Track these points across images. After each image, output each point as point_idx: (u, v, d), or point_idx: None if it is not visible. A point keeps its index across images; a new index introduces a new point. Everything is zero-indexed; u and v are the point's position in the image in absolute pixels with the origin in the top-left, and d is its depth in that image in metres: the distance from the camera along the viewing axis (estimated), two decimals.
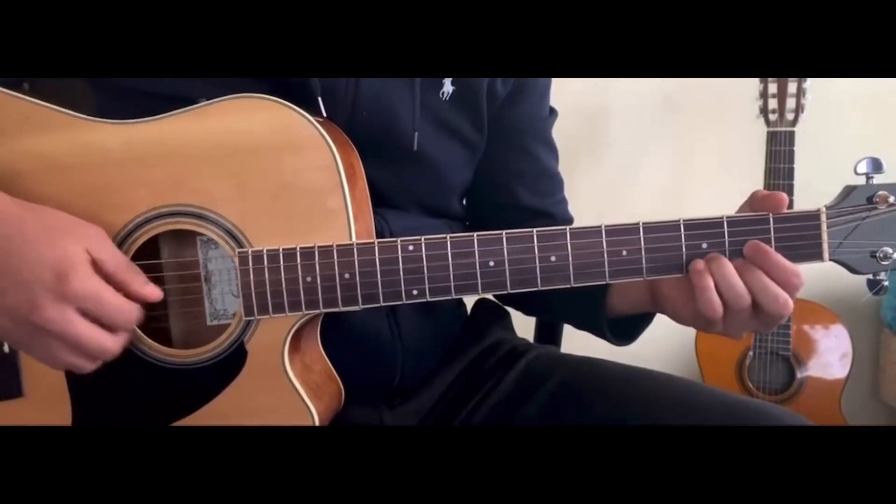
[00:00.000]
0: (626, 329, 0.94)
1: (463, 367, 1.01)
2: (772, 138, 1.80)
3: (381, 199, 0.87)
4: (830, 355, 1.91)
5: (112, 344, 0.75)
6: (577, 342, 1.12)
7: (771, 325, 0.79)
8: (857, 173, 0.78)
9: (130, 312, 0.75)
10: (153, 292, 0.77)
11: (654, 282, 0.84)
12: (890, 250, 0.77)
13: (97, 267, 0.74)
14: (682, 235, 0.77)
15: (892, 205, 0.76)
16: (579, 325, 1.00)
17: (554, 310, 1.04)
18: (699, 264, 0.77)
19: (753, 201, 0.79)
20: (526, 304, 1.10)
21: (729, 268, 0.76)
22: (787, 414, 0.84)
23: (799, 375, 1.89)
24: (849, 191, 0.77)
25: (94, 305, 0.73)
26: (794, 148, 1.79)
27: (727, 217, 0.77)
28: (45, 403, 0.82)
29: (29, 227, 0.73)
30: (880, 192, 0.76)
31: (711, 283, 0.76)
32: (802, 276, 0.76)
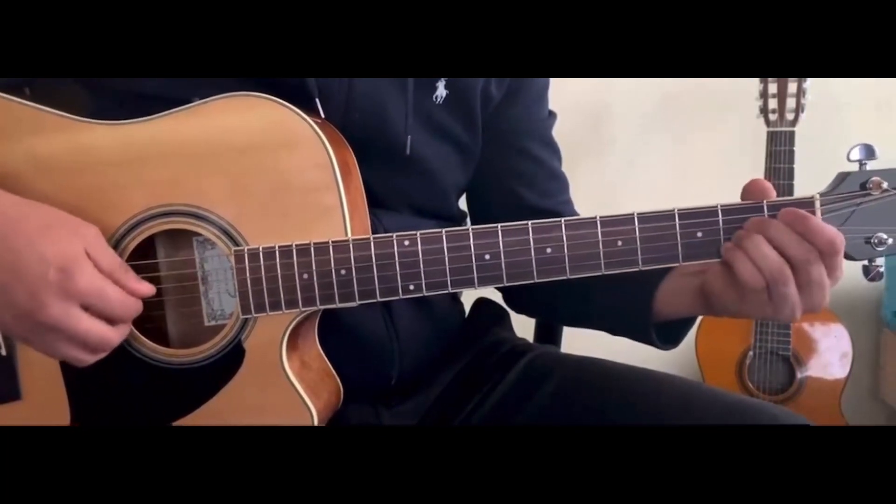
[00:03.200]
0: (668, 333, 0.92)
1: (462, 366, 1.01)
2: (772, 138, 1.80)
3: (375, 201, 0.87)
4: (830, 355, 1.91)
5: (114, 336, 0.76)
6: (577, 342, 1.12)
7: (816, 291, 0.76)
8: (850, 160, 0.77)
9: (131, 306, 0.77)
10: (146, 289, 0.78)
11: (702, 284, 0.83)
12: (885, 236, 0.76)
13: (94, 265, 0.74)
14: (677, 225, 0.77)
15: (885, 190, 0.75)
16: (619, 332, 0.97)
17: (590, 318, 1.01)
18: (728, 245, 0.76)
19: (742, 193, 0.79)
20: (554, 312, 1.08)
21: (757, 237, 0.75)
22: (787, 413, 0.84)
23: (799, 375, 1.88)
24: (842, 177, 0.77)
25: (98, 301, 0.74)
26: (794, 148, 1.78)
27: (721, 205, 0.77)
28: (42, 405, 0.82)
29: (27, 224, 0.73)
30: (874, 178, 0.76)
31: (742, 254, 0.75)
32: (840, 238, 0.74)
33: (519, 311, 1.11)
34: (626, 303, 0.90)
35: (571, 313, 1.04)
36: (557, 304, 1.01)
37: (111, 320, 0.75)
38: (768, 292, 0.76)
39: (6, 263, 0.71)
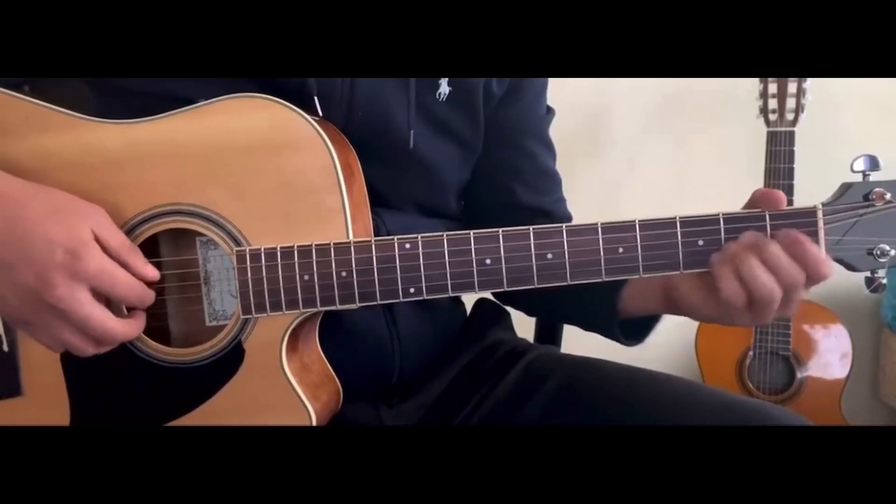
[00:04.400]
0: (635, 329, 0.94)
1: (462, 366, 1.01)
2: (772, 138, 1.80)
3: (378, 200, 0.87)
4: (830, 355, 1.91)
5: (117, 327, 0.75)
6: (577, 342, 1.12)
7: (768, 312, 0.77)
8: (853, 171, 0.77)
9: (138, 289, 0.76)
10: (152, 272, 0.78)
11: (669, 285, 0.83)
12: (887, 247, 0.76)
13: (101, 245, 0.74)
14: (678, 233, 0.77)
15: (888, 202, 0.76)
16: (587, 327, 0.99)
17: (561, 312, 1.03)
18: (717, 257, 0.76)
19: (752, 200, 0.79)
20: (530, 305, 1.09)
21: (753, 259, 0.75)
22: (787, 414, 0.84)
23: (799, 375, 1.88)
24: (845, 188, 0.77)
25: (107, 283, 0.73)
26: (794, 148, 1.79)
27: (723, 214, 0.77)
28: (43, 402, 0.82)
29: (35, 207, 0.73)
30: (877, 190, 0.76)
31: (731, 272, 0.76)
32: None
33: (499, 300, 1.11)
34: (593, 299, 0.91)
35: (546, 308, 1.06)
36: (531, 295, 1.01)
37: (118, 303, 0.75)
38: (750, 307, 0.76)
39: (14, 246, 0.72)
